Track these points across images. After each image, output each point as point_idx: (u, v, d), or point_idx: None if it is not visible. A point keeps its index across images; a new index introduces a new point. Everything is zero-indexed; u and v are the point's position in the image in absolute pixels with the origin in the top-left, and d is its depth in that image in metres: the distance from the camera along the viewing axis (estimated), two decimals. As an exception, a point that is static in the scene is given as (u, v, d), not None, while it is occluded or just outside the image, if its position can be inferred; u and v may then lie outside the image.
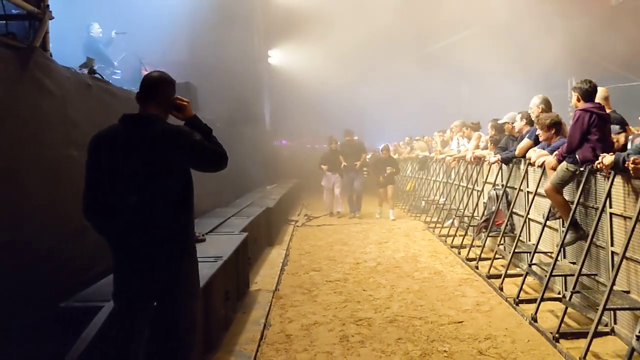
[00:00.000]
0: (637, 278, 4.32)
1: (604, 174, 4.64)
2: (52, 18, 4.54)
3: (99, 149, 2.92)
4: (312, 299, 6.10)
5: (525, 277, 5.72)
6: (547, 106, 6.47)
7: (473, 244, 7.77)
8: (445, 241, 9.13)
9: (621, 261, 4.09)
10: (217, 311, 4.64)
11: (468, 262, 7.48)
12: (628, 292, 4.41)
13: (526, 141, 6.71)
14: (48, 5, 4.54)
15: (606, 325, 4.72)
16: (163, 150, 2.87)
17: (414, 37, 21.01)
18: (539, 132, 6.16)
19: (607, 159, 4.41)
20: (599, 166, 4.56)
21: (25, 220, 3.99)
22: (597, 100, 5.22)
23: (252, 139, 14.67)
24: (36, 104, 4.17)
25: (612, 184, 4.54)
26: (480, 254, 7.22)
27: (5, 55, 3.94)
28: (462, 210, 9.16)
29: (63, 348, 3.30)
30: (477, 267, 7.06)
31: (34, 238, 4.08)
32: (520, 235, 6.44)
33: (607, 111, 5.31)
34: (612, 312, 4.64)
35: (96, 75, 5.65)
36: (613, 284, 4.08)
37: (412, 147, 15.60)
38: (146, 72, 10.57)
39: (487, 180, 8.02)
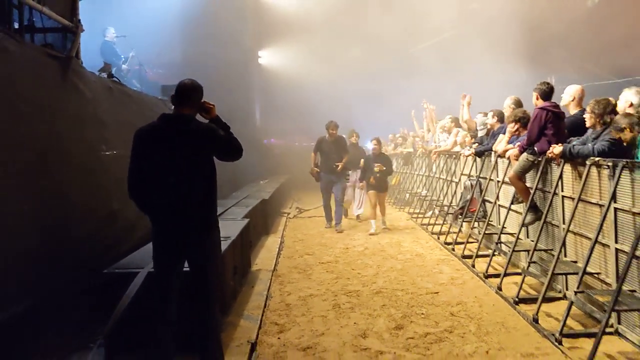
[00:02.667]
0: (583, 249, 5.13)
1: (556, 162, 5.47)
2: (83, 31, 5.27)
3: (143, 141, 3.66)
4: (307, 277, 6.87)
5: (492, 255, 6.56)
6: (517, 105, 7.27)
7: (450, 230, 8.61)
8: (427, 229, 9.96)
9: (565, 235, 4.93)
10: (228, 283, 5.40)
11: (446, 246, 8.31)
12: (575, 261, 5.23)
13: (501, 136, 7.52)
14: (80, 20, 5.27)
15: (560, 291, 5.57)
16: (196, 142, 3.64)
17: (400, 37, 21.76)
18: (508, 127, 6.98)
19: (557, 149, 5.25)
20: (550, 155, 5.38)
21: (68, 207, 4.74)
22: (575, 98, 5.97)
23: (245, 137, 15.38)
24: (75, 106, 4.91)
25: (562, 170, 5.37)
26: (456, 237, 8.06)
27: (48, 64, 4.68)
28: (442, 201, 9.99)
29: (110, 306, 4.06)
30: (453, 249, 7.90)
31: (76, 222, 4.83)
32: (490, 220, 7.26)
33: (577, 110, 6.05)
34: (564, 278, 5.48)
35: (114, 78, 6.38)
36: (559, 253, 4.92)
37: (396, 144, 16.36)
38: (146, 72, 11.32)
39: (464, 172, 8.86)
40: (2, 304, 3.94)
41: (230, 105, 14.81)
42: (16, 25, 4.81)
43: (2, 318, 3.92)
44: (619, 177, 4.27)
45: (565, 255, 5.46)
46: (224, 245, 5.31)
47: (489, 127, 8.17)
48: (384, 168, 10.06)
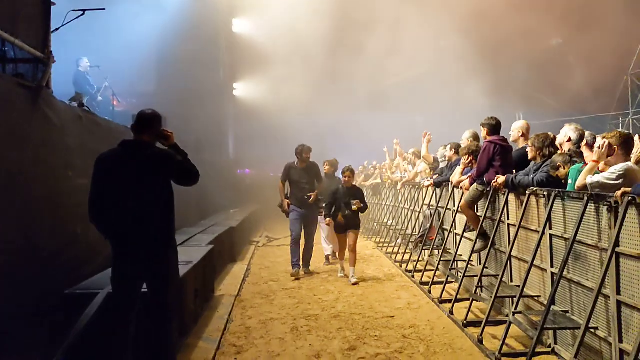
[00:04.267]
0: (521, 273, 5.44)
1: (501, 191, 5.83)
2: (54, 62, 5.50)
3: (104, 165, 3.89)
4: (269, 302, 7.06)
5: (446, 281, 6.85)
6: (474, 139, 7.67)
7: (411, 258, 8.90)
8: (391, 257, 10.24)
9: (507, 260, 5.25)
10: (189, 306, 5.56)
11: (406, 273, 8.59)
12: (519, 285, 5.53)
13: (458, 169, 7.90)
14: (52, 51, 5.51)
15: (507, 315, 5.86)
16: (155, 167, 3.88)
17: (372, 72, 22.36)
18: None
19: (501, 179, 5.62)
20: (495, 185, 5.74)
21: (33, 226, 4.90)
22: (523, 133, 6.37)
23: (216, 166, 15.61)
24: (44, 133, 5.12)
25: (507, 199, 5.73)
26: (416, 265, 8.36)
27: (19, 93, 4.89)
28: (406, 230, 10.31)
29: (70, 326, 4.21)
30: (413, 276, 8.18)
31: (39, 241, 4.98)
32: (447, 247, 7.57)
33: (525, 144, 6.42)
34: (510, 301, 5.77)
35: (84, 107, 6.60)
36: (502, 277, 5.24)
37: (367, 175, 16.71)
38: (116, 102, 11.54)
39: (425, 202, 9.20)
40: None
41: (204, 135, 15.07)
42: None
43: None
44: (552, 204, 4.62)
45: (512, 280, 5.78)
46: (186, 269, 5.50)
47: (447, 158, 8.57)
48: (362, 205, 8.27)
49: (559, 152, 5.40)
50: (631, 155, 4.46)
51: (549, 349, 4.81)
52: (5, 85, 4.71)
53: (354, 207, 8.13)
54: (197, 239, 8.09)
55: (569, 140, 5.69)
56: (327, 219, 8.41)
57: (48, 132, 5.25)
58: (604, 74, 16.53)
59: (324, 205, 8.76)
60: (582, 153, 5.13)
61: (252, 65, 21.07)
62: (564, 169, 4.89)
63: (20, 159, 4.79)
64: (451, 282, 7.05)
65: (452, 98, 20.33)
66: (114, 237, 3.90)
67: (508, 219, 5.87)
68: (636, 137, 5.82)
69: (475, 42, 17.81)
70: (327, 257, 9.98)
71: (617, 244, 3.71)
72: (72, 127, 5.80)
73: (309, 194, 8.73)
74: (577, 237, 4.22)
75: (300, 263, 8.82)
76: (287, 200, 8.90)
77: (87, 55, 10.95)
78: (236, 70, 21.54)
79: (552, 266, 4.82)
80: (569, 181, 5.04)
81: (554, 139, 5.51)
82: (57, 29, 6.08)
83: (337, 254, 9.31)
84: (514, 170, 5.93)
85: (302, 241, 8.96)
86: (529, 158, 5.63)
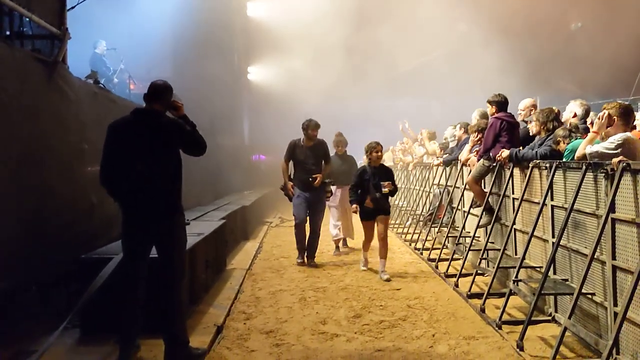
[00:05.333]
0: (530, 246, 5.53)
1: (506, 166, 5.91)
2: (70, 38, 5.68)
3: (116, 133, 4.06)
4: (279, 276, 7.24)
5: (452, 255, 6.97)
6: (484, 117, 7.72)
7: (420, 237, 9.02)
8: (401, 237, 10.37)
9: (510, 232, 5.35)
10: (199, 275, 5.75)
11: (415, 251, 8.71)
12: (524, 258, 5.63)
13: (467, 147, 7.97)
14: (67, 28, 5.69)
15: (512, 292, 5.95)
16: (165, 135, 4.04)
17: (389, 56, 22.28)
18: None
19: (505, 152, 5.71)
20: (499, 159, 5.82)
21: (49, 199, 5.11)
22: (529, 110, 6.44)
23: (230, 149, 15.83)
24: (59, 107, 5.31)
25: (511, 173, 5.81)
26: (424, 242, 8.47)
27: (36, 67, 5.08)
28: (416, 210, 10.42)
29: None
30: (421, 253, 8.30)
31: (55, 212, 5.19)
32: (455, 225, 7.67)
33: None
34: (514, 273, 5.87)
35: (100, 85, 6.78)
36: (504, 249, 5.35)
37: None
38: (133, 85, 11.77)
39: (435, 182, 9.29)
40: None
41: (219, 120, 15.25)
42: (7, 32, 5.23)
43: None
44: (553, 175, 4.69)
45: (516, 254, 5.87)
46: (197, 239, 5.68)
47: (457, 137, 8.64)
48: (392, 187, 7.24)
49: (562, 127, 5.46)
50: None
51: (549, 317, 4.91)
52: (22, 59, 4.89)
53: (385, 190, 7.08)
54: (210, 215, 8.27)
55: (575, 115, 5.76)
56: (354, 205, 7.31)
57: (64, 106, 5.44)
58: (623, 58, 16.32)
59: (330, 189, 8.21)
60: (588, 129, 5.19)
61: (266, 49, 21.12)
62: (564, 143, 4.95)
63: (38, 131, 4.99)
64: (458, 259, 7.15)
65: (467, 82, 20.20)
66: (124, 201, 4.08)
67: (513, 193, 5.95)
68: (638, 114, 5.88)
69: (491, 22, 17.67)
70: (337, 246, 9.04)
71: (612, 210, 3.79)
72: (88, 102, 5.99)
73: (314, 176, 7.86)
74: (577, 207, 4.30)
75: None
76: (291, 183, 8.04)
77: (103, 39, 11.17)
78: (250, 54, 21.61)
79: (553, 237, 4.90)
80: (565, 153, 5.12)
81: (558, 113, 5.57)
82: (72, 7, 6.25)
83: (347, 240, 9.18)
84: (521, 148, 5.99)
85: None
86: (534, 133, 5.70)
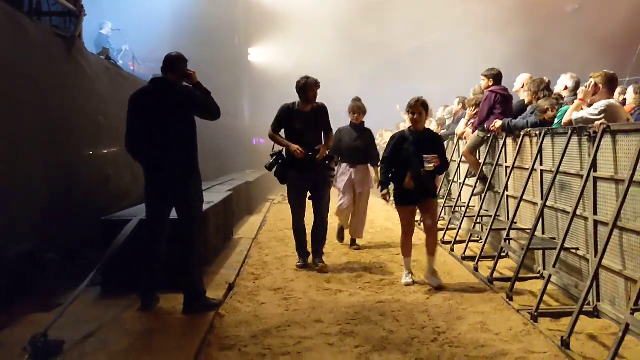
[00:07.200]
0: (522, 211, 5.87)
1: (499, 135, 6.24)
2: (85, 15, 5.98)
3: (138, 102, 4.40)
4: (284, 245, 7.59)
5: (448, 225, 7.37)
6: (482, 92, 8.02)
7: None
8: (400, 211, 10.72)
9: (501, 198, 5.71)
10: (211, 239, 6.11)
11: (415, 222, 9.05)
12: (515, 222, 5.98)
13: (463, 121, 8.29)
14: (82, 5, 5.98)
15: (503, 250, 6.31)
16: (180, 103, 4.37)
17: (389, 37, 22.42)
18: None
19: (498, 123, 6.03)
20: (492, 129, 6.15)
21: (69, 167, 5.44)
22: (524, 85, 6.72)
23: (232, 129, 16.13)
24: (80, 81, 5.63)
25: (504, 143, 6.15)
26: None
27: (56, 42, 5.39)
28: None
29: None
30: (419, 224, 8.63)
31: (75, 181, 5.53)
32: (450, 195, 8.02)
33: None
34: (508, 241, 6.23)
35: (112, 61, 7.09)
36: (495, 214, 5.70)
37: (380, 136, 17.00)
38: (134, 66, 11.99)
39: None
40: (12, 241, 4.61)
41: (220, 101, 15.46)
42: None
43: (12, 253, 4.60)
44: (542, 141, 5.03)
45: (508, 218, 6.20)
46: (208, 206, 6.01)
47: (454, 113, 8.96)
48: (439, 162, 5.26)
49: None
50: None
51: (538, 274, 5.28)
52: (43, 33, 5.20)
53: (430, 167, 5.15)
54: (216, 189, 8.62)
55: (566, 88, 6.07)
56: (384, 190, 5.69)
57: (82, 80, 5.76)
58: (619, 37, 16.52)
59: (334, 167, 6.59)
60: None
61: (267, 30, 21.29)
62: (552, 111, 5.27)
63: (62, 102, 5.32)
64: (454, 229, 7.50)
65: (469, 65, 20.37)
66: (146, 164, 4.42)
67: (506, 162, 6.29)
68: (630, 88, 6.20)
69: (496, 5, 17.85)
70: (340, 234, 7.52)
71: (595, 168, 4.13)
72: (102, 78, 6.31)
73: (317, 147, 5.95)
74: (563, 169, 4.65)
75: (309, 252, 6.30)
76: (297, 146, 5.87)
77: (106, 19, 11.44)
78: (251, 35, 21.77)
79: (542, 199, 5.25)
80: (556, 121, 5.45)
81: (549, 83, 5.88)
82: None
83: (344, 231, 7.44)
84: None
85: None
86: (526, 102, 6.02)
